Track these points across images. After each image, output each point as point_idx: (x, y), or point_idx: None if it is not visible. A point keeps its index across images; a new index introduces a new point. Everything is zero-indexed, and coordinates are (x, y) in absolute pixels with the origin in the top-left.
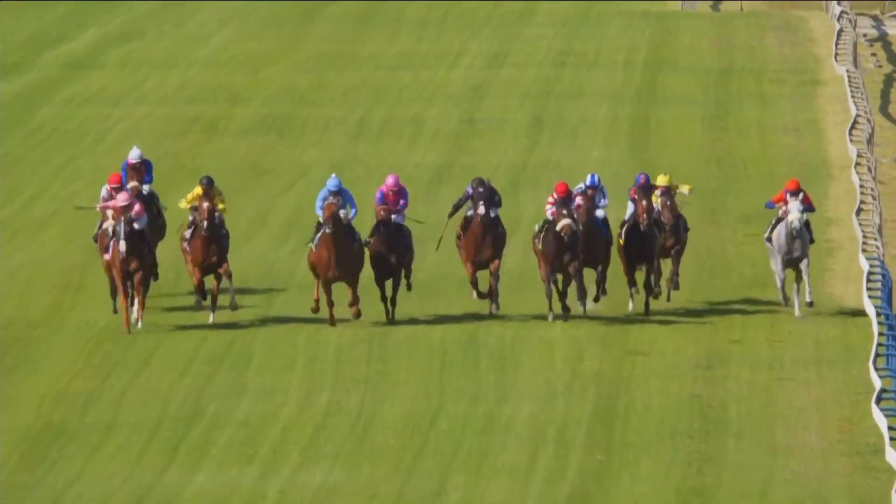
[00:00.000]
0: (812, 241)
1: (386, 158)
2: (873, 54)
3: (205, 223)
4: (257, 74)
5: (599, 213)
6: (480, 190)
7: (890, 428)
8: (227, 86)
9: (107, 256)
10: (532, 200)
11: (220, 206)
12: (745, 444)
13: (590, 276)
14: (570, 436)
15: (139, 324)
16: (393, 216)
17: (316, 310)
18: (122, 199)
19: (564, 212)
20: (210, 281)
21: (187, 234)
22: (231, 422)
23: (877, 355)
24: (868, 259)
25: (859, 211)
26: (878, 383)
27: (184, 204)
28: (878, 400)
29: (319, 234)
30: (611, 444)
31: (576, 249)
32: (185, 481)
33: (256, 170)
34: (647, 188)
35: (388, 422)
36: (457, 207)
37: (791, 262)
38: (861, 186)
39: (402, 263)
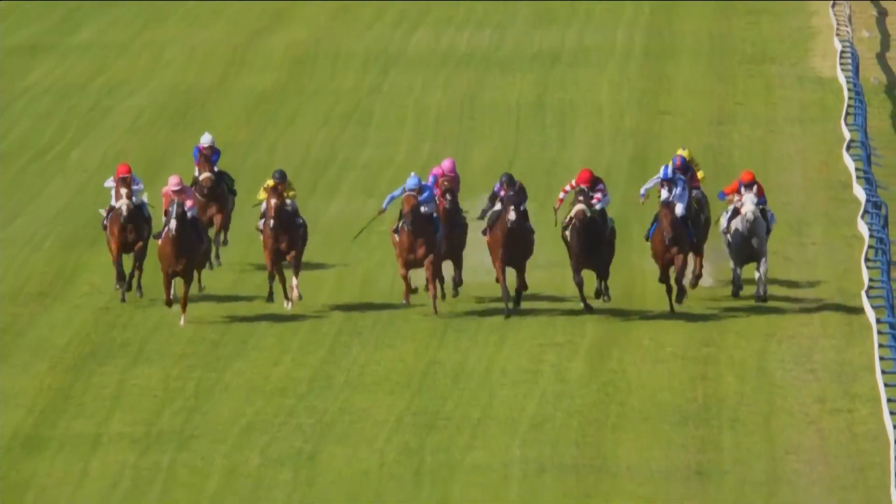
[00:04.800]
0: (769, 232)
1: None
2: None
3: (272, 221)
4: None
5: (679, 209)
6: (510, 193)
7: (857, 169)
8: None
9: (160, 242)
10: None
11: (291, 193)
12: None
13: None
14: (615, 175)
15: (182, 320)
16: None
17: (407, 297)
18: (173, 183)
19: (580, 198)
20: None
21: (261, 224)
22: (356, 165)
23: (847, 114)
24: (841, 41)
25: (834, 4)
26: (847, 135)
27: (262, 195)
28: (848, 148)
29: (400, 226)
30: (645, 181)
31: (599, 241)
32: (321, 209)
33: None
34: (685, 168)
35: (476, 164)
36: (485, 212)
37: (748, 258)
38: None
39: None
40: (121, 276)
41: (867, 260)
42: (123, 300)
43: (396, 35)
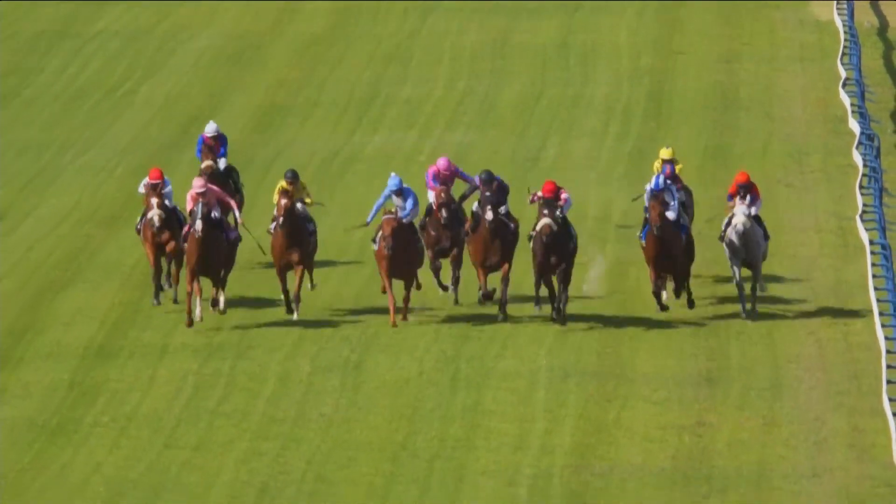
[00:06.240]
0: (767, 238)
1: None
2: None
3: (281, 219)
4: None
5: (671, 214)
6: (487, 194)
7: (852, 105)
8: None
9: (184, 245)
10: None
11: (307, 201)
12: (753, 115)
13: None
14: (632, 109)
15: (222, 305)
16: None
17: (386, 293)
18: (197, 185)
19: (545, 211)
20: (292, 280)
21: (272, 227)
22: (398, 101)
23: (843, 54)
24: None
25: None
26: (843, 74)
27: (275, 197)
28: (844, 85)
29: (378, 242)
30: (660, 115)
31: (563, 252)
32: (365, 142)
33: None
34: (675, 179)
35: (506, 101)
36: (464, 198)
37: (745, 264)
38: None
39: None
40: (158, 286)
41: (861, 187)
42: (169, 286)
43: None
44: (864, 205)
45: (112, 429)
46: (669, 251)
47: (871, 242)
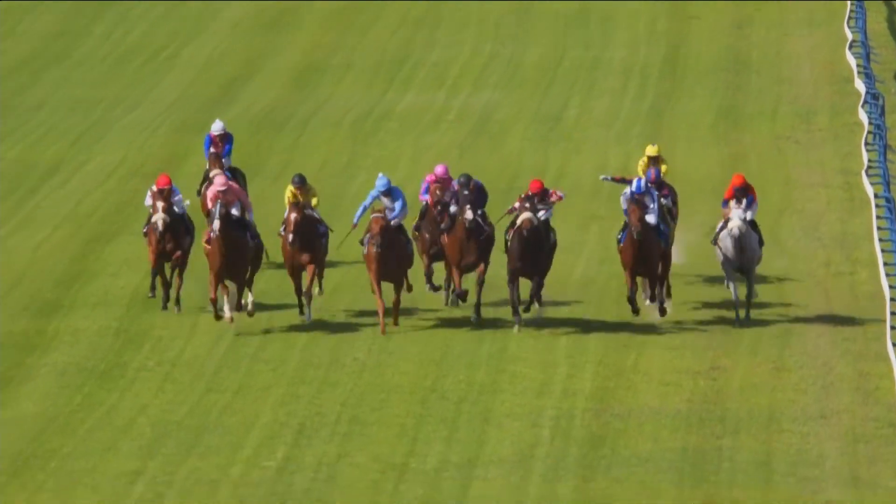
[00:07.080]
0: (762, 243)
1: None
2: None
3: (291, 236)
4: None
5: (651, 218)
6: (465, 192)
7: (858, 66)
8: None
9: (207, 247)
10: None
11: (314, 202)
12: (764, 77)
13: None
14: (649, 71)
15: (250, 306)
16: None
17: (381, 307)
18: (219, 182)
19: (528, 205)
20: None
21: (282, 230)
22: (426, 63)
23: (849, 18)
24: None
25: None
26: (849, 36)
27: (286, 205)
28: (850, 47)
29: (368, 245)
30: (675, 77)
31: (539, 251)
32: (397, 101)
33: None
34: (660, 184)
35: (529, 63)
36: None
37: (739, 270)
38: None
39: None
40: (154, 287)
41: (867, 144)
42: (165, 308)
43: None
44: (870, 160)
45: (157, 373)
46: (648, 256)
47: (876, 196)
